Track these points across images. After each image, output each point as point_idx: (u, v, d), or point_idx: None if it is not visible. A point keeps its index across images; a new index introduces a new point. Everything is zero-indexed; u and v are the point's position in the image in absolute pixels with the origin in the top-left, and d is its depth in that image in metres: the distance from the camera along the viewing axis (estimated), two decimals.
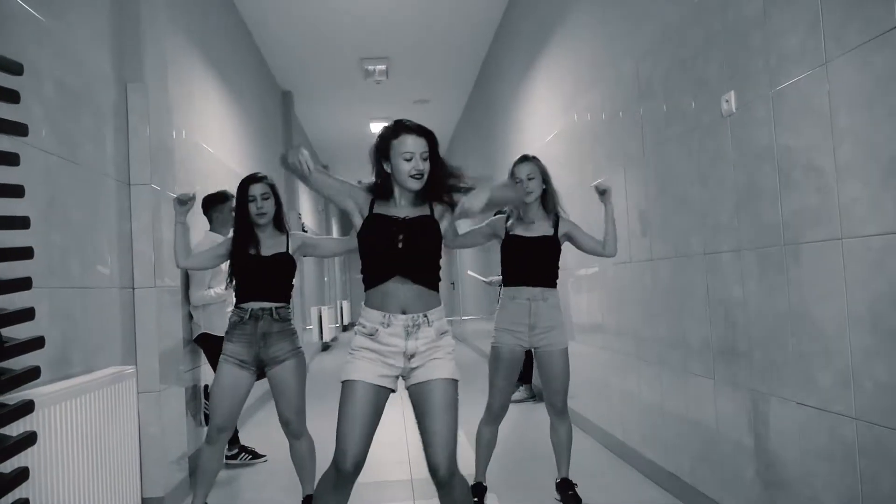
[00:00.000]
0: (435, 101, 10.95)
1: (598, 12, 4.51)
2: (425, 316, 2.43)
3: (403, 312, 2.42)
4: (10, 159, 1.62)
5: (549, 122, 5.87)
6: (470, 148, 10.89)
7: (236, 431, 4.78)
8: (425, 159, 2.45)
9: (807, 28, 2.35)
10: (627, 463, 4.18)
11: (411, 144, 2.43)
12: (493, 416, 3.47)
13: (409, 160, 2.42)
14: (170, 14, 4.48)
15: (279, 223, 3.46)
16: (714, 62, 2.97)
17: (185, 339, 4.45)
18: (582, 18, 4.85)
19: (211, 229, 4.77)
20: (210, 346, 4.65)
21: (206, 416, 4.77)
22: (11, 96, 1.65)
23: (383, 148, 2.48)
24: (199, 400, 4.79)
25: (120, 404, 3.02)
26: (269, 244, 3.40)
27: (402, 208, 2.50)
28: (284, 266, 3.40)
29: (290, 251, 3.42)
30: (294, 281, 3.54)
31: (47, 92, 2.91)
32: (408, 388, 2.48)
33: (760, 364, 2.74)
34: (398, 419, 5.92)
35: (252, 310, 3.31)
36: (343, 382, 2.44)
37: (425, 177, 2.46)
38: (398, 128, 2.48)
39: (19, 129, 1.67)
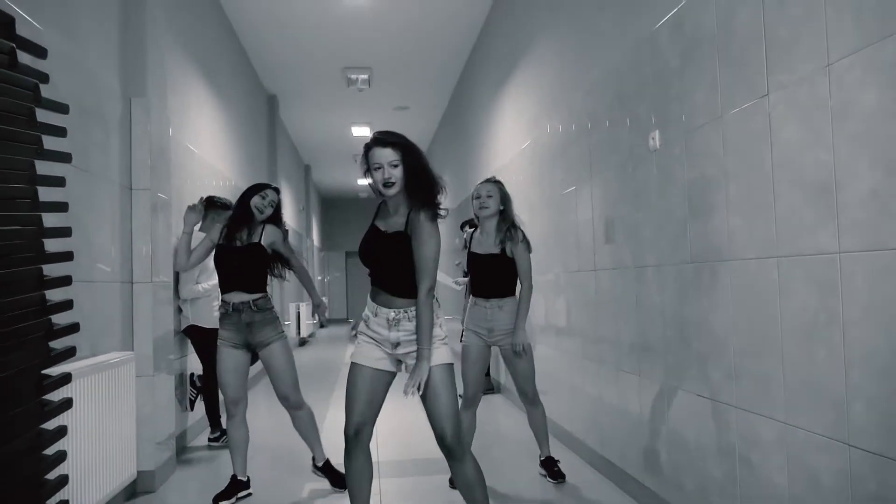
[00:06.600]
0: (415, 108, 11.38)
1: (556, 46, 5.00)
2: (406, 311, 2.70)
3: (387, 307, 2.71)
4: (59, 182, 2.05)
5: (519, 137, 6.35)
6: (449, 153, 11.34)
7: (219, 416, 5.18)
8: (395, 167, 2.60)
9: (709, 85, 2.84)
10: (573, 451, 4.68)
11: (378, 155, 2.62)
12: (468, 401, 3.96)
13: (378, 169, 2.62)
14: (171, 30, 4.90)
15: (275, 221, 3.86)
16: (644, 104, 3.46)
17: (174, 331, 4.86)
18: (547, 45, 5.33)
19: (201, 229, 5.18)
20: (197, 337, 5.06)
21: (192, 402, 5.17)
22: (60, 132, 2.08)
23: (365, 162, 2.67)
24: (185, 386, 5.18)
25: (123, 384, 3.46)
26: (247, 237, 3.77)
27: (392, 218, 2.73)
28: (256, 256, 3.73)
29: (263, 242, 3.77)
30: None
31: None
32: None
33: (673, 362, 3.23)
34: None
35: (233, 303, 3.71)
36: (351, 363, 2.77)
37: (398, 184, 2.62)
38: (369, 142, 2.68)
39: (65, 158, 2.10)
